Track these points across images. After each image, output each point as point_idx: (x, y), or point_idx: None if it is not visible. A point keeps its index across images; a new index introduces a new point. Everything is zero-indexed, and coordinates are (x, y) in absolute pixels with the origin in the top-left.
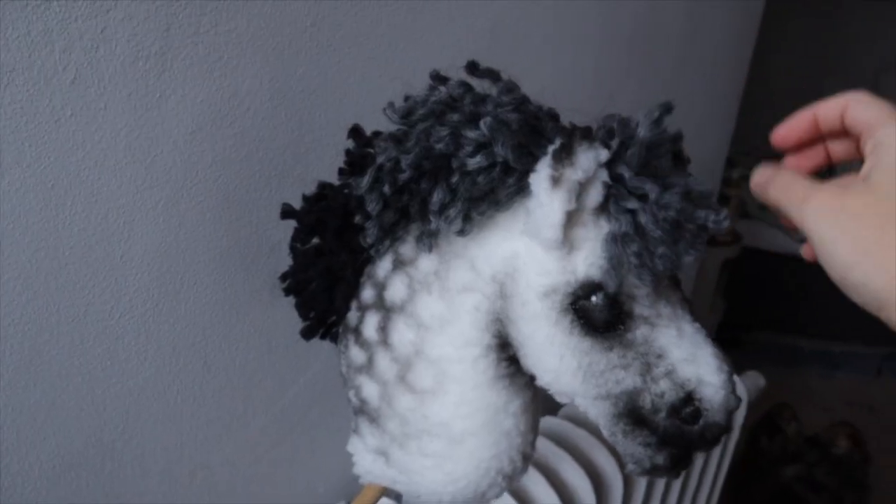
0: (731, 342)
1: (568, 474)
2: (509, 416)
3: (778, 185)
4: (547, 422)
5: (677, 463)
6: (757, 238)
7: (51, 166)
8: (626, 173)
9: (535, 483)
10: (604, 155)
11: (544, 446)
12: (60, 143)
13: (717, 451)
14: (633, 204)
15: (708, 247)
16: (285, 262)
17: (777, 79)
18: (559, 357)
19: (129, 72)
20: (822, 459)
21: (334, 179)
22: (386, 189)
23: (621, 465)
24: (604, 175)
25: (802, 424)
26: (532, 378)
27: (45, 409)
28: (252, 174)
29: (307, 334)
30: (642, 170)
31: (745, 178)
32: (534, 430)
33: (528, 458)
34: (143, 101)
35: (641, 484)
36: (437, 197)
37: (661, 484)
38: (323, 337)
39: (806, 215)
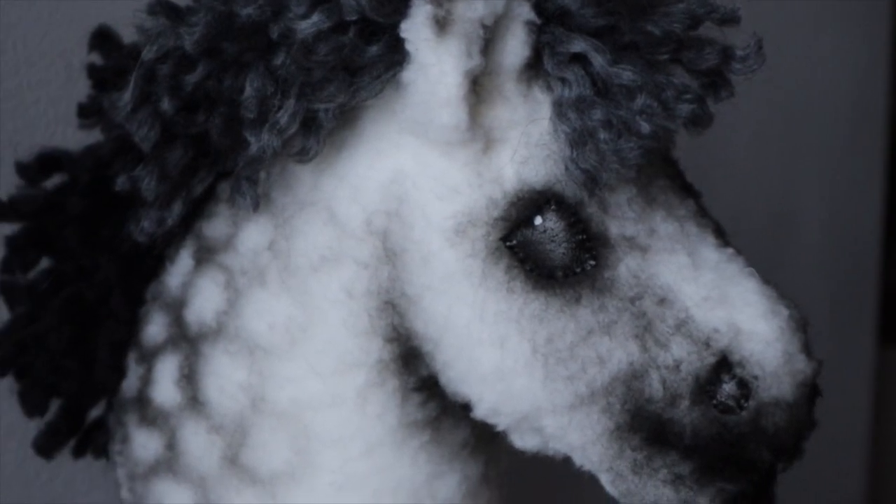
0: None
1: None
2: None
3: None
4: None
5: None
6: None
7: None
8: (570, 3)
9: None
10: None
11: None
12: None
13: None
14: (580, 46)
15: None
16: None
17: None
18: (499, 341)
19: None
20: None
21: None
22: (165, 103)
23: None
24: (525, 10)
25: None
26: (473, 427)
27: None
28: None
29: (46, 449)
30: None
31: None
32: None
33: None
34: None
35: None
36: (251, 91)
37: None
38: (80, 452)
39: None
